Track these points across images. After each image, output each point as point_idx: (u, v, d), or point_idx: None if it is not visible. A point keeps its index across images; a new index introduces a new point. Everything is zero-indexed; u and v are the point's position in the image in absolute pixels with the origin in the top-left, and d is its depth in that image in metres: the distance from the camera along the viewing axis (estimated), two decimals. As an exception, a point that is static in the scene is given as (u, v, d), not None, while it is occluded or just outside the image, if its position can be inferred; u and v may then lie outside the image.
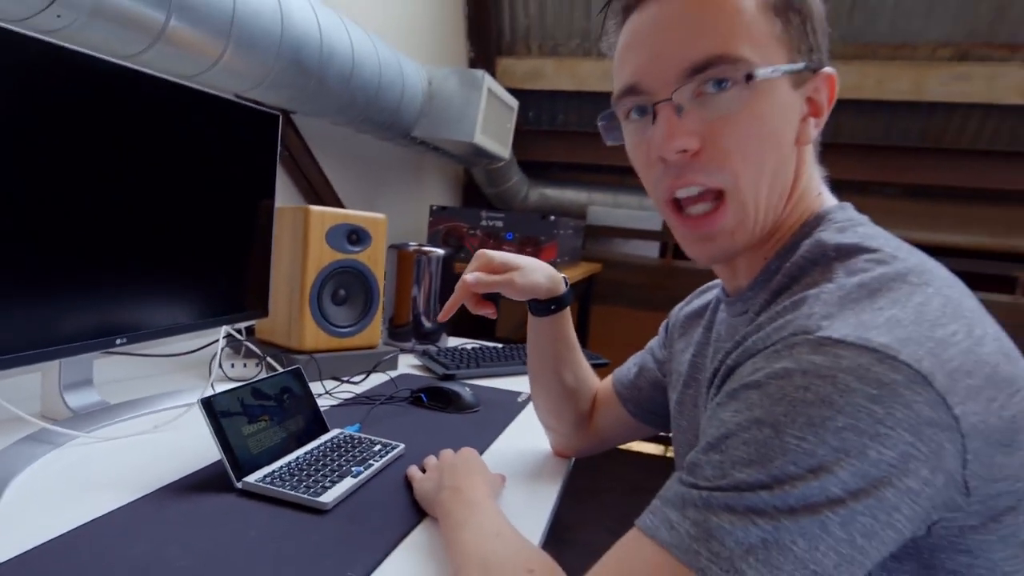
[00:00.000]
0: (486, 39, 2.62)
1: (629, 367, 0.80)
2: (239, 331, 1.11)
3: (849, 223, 0.49)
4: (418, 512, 0.65)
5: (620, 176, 2.83)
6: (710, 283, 0.70)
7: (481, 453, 0.81)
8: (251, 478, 0.66)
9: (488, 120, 1.79)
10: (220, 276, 0.98)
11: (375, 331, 1.20)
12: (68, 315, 0.74)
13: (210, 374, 1.01)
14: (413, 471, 0.72)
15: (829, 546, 0.35)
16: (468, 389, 1.04)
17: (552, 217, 1.94)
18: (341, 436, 0.80)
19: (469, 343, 1.47)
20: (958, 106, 2.37)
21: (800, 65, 0.48)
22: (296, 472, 0.69)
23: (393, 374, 1.17)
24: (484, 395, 1.07)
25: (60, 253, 0.72)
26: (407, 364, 1.27)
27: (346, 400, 1.00)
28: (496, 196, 2.69)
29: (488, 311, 0.74)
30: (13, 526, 0.56)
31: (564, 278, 0.77)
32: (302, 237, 1.09)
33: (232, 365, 1.07)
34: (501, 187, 2.60)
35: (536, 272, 0.74)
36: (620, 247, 3.12)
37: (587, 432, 0.82)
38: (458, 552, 0.53)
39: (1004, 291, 2.73)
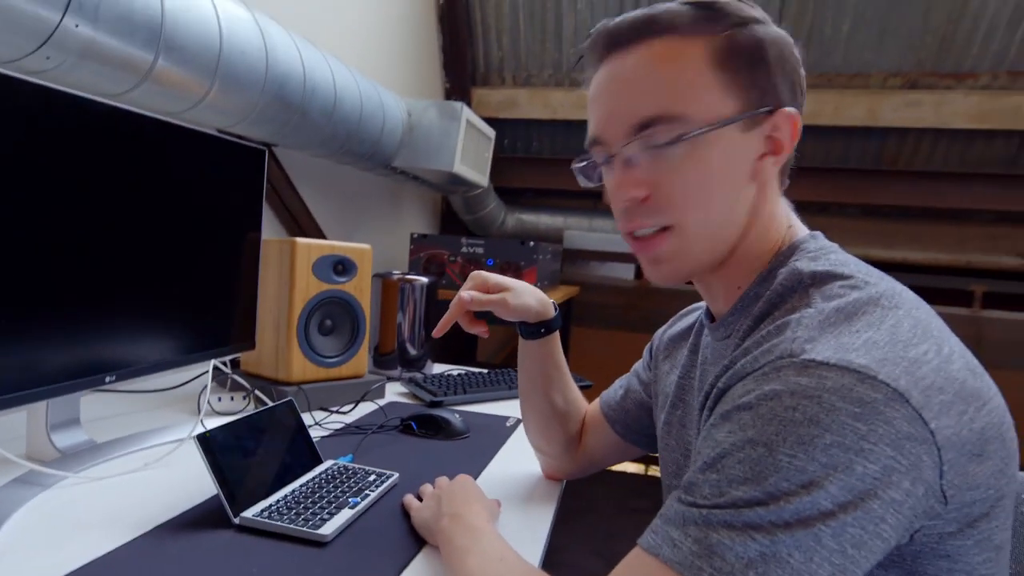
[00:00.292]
0: (461, 71, 2.68)
1: (616, 389, 0.83)
2: (224, 364, 1.10)
3: (821, 252, 0.53)
4: (417, 541, 0.66)
5: (594, 201, 2.90)
6: (692, 306, 0.74)
7: (474, 479, 0.82)
8: (249, 513, 0.67)
9: (467, 150, 1.83)
10: (208, 310, 0.98)
11: (362, 360, 1.21)
12: (56, 353, 0.73)
13: (199, 409, 1.00)
14: (410, 500, 0.73)
15: (823, 557, 0.37)
16: (457, 415, 1.05)
17: (531, 242, 1.97)
18: (335, 467, 0.81)
19: (455, 369, 1.48)
20: (910, 131, 2.51)
21: (742, 114, 0.50)
22: (293, 505, 0.69)
23: (381, 402, 1.18)
24: (473, 421, 1.08)
25: (46, 291, 0.71)
26: (394, 392, 1.28)
27: (337, 430, 1.00)
28: (474, 222, 2.73)
29: (481, 330, 0.76)
30: (10, 572, 0.56)
31: (553, 303, 0.80)
32: (289, 269, 1.10)
33: (219, 399, 1.06)
34: (479, 214, 2.64)
35: (527, 295, 0.77)
36: (596, 270, 3.18)
37: (577, 454, 0.84)
38: (463, 578, 0.54)
39: (961, 304, 2.86)
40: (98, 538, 0.62)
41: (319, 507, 0.69)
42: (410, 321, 1.39)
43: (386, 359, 1.38)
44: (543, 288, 2.08)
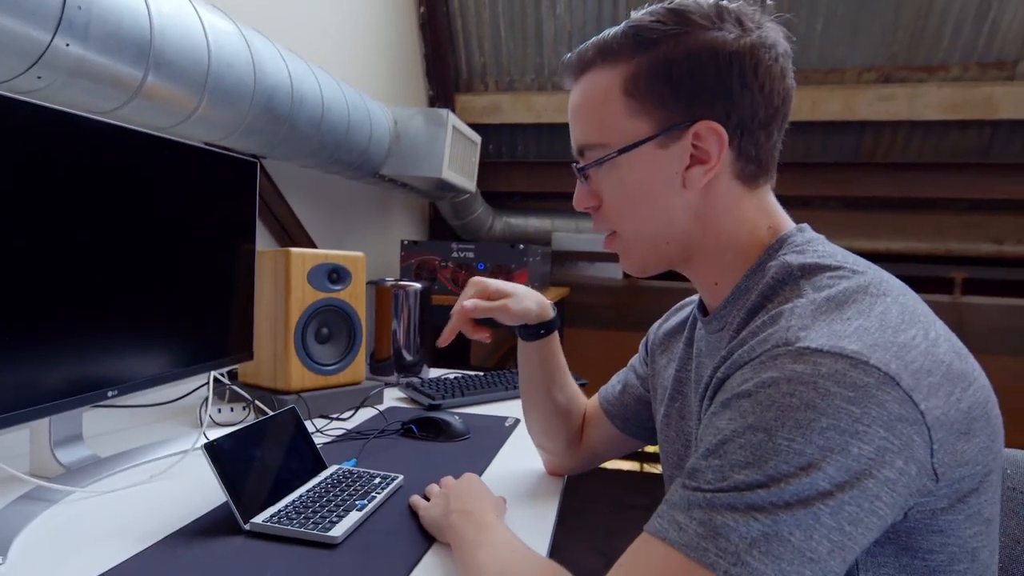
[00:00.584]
0: (444, 78, 2.70)
1: (614, 384, 0.85)
2: (223, 375, 1.11)
3: (808, 244, 0.55)
4: (426, 539, 0.68)
5: (580, 202, 2.93)
6: (685, 300, 0.76)
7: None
8: (258, 519, 0.68)
9: (454, 156, 1.85)
10: (205, 322, 0.98)
11: (359, 367, 1.22)
12: (57, 370, 0.74)
13: (201, 420, 1.01)
14: (416, 500, 0.74)
15: (822, 534, 0.39)
16: (457, 417, 1.07)
17: (521, 245, 2.00)
18: (340, 472, 0.82)
19: (451, 373, 1.49)
20: (885, 123, 2.57)
21: (655, 135, 0.54)
22: (302, 509, 0.70)
23: (380, 408, 1.19)
24: (472, 422, 1.09)
25: (45, 308, 0.72)
26: (392, 397, 1.29)
27: (338, 436, 1.01)
28: (462, 227, 2.74)
29: (483, 336, 0.78)
30: (25, 585, 0.56)
31: (551, 304, 0.82)
32: (284, 279, 1.11)
33: (219, 410, 1.07)
34: (467, 218, 2.66)
35: (528, 299, 0.79)
36: (585, 270, 3.21)
37: (578, 450, 0.86)
38: (476, 571, 0.55)
39: (942, 291, 2.92)
40: (110, 550, 0.62)
41: (327, 510, 0.70)
42: (405, 327, 1.40)
43: (382, 365, 1.39)
44: (535, 290, 2.10)
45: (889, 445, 0.40)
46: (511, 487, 0.84)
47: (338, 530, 0.66)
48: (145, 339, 0.87)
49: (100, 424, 1.01)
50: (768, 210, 0.59)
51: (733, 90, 0.53)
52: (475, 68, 2.75)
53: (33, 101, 0.69)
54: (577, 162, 0.61)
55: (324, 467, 0.83)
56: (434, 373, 1.50)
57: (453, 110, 2.68)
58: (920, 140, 2.61)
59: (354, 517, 0.69)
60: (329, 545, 0.65)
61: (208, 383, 1.01)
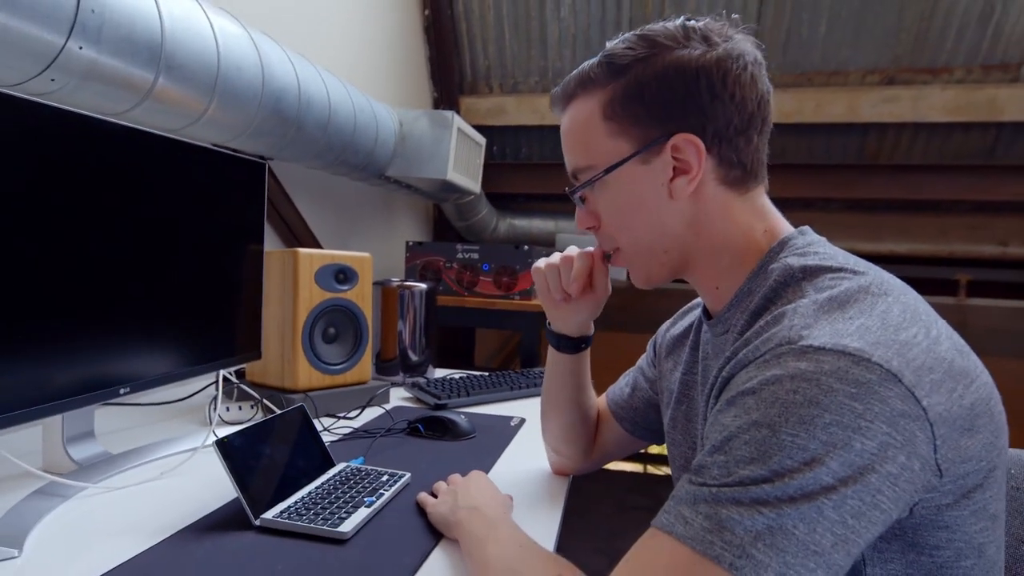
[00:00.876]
0: (448, 80, 2.71)
1: (622, 387, 0.85)
2: (231, 374, 1.12)
3: (809, 247, 0.56)
4: (434, 535, 0.69)
5: (584, 204, 2.93)
6: (691, 304, 0.77)
7: (484, 476, 0.85)
8: (269, 514, 0.69)
9: (459, 157, 1.86)
10: (214, 321, 1.00)
11: (366, 366, 1.23)
12: (71, 368, 0.75)
13: (209, 419, 1.02)
14: (424, 497, 0.75)
15: (826, 528, 0.40)
16: (463, 417, 1.07)
17: (525, 247, 2.00)
18: (348, 469, 0.83)
19: (456, 373, 1.50)
20: (889, 125, 2.57)
21: (635, 152, 0.57)
22: (311, 506, 0.71)
23: (387, 407, 1.20)
24: (478, 421, 1.10)
25: (59, 308, 0.73)
26: (398, 397, 1.30)
27: (345, 435, 1.02)
28: (466, 229, 2.75)
29: (605, 280, 0.76)
30: (41, 578, 0.57)
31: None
32: (292, 279, 1.12)
33: (227, 408, 1.08)
34: (471, 220, 2.67)
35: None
36: (589, 272, 3.21)
37: (590, 452, 0.87)
38: (484, 567, 0.56)
39: (947, 293, 2.92)
40: (122, 544, 0.64)
41: (336, 507, 0.71)
42: (411, 327, 1.41)
43: (388, 365, 1.40)
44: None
45: (891, 440, 0.41)
46: (517, 486, 0.84)
47: (347, 526, 0.67)
48: (155, 338, 0.88)
49: (111, 422, 1.02)
50: (762, 213, 0.60)
51: (704, 102, 0.56)
52: (479, 70, 2.76)
53: (47, 103, 0.71)
54: (571, 186, 0.64)
55: (332, 464, 0.84)
56: (439, 373, 1.51)
57: (458, 112, 2.69)
58: (924, 142, 2.61)
59: (363, 513, 0.70)
60: (339, 541, 0.66)
61: (217, 382, 1.02)
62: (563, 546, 0.70)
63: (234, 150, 1.19)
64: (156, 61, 0.95)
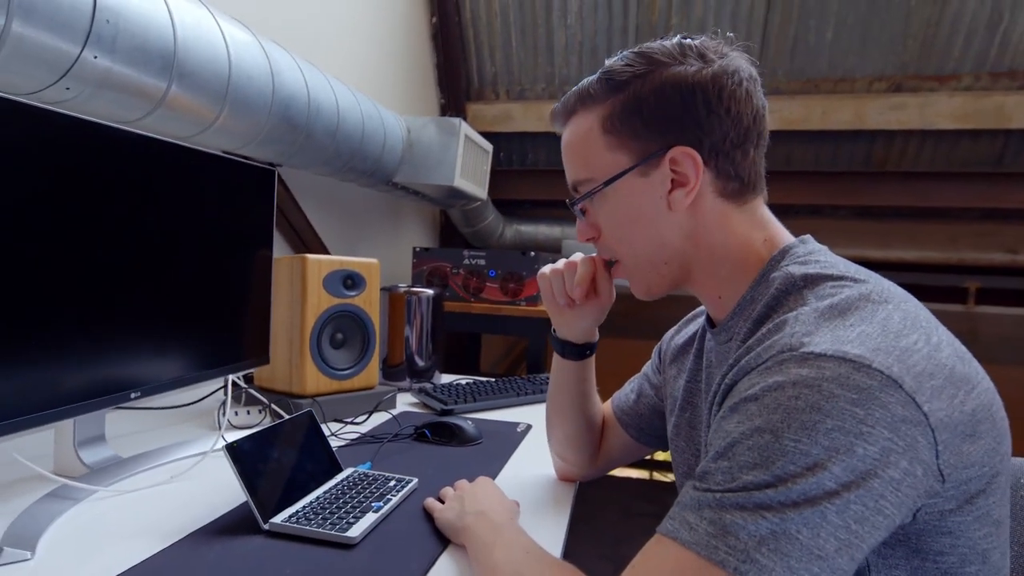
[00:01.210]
0: (455, 87, 2.73)
1: (627, 393, 0.86)
2: (239, 379, 1.13)
3: (810, 255, 0.57)
4: (441, 541, 0.69)
5: (590, 210, 2.94)
6: (695, 311, 0.77)
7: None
8: (278, 519, 0.69)
9: (466, 164, 1.87)
10: (223, 326, 1.00)
11: (373, 372, 1.24)
12: (83, 372, 0.76)
13: (218, 423, 1.03)
14: (431, 503, 0.75)
15: (829, 532, 0.40)
16: (469, 422, 1.08)
17: (532, 253, 2.01)
18: (355, 474, 0.83)
19: (463, 379, 1.51)
20: (896, 133, 2.57)
21: (633, 165, 0.59)
22: (319, 510, 0.72)
23: (393, 412, 1.20)
24: (484, 427, 1.10)
25: (74, 313, 0.74)
26: (405, 402, 1.30)
27: (352, 440, 1.03)
28: (473, 235, 2.76)
29: (609, 287, 0.76)
30: (53, 580, 0.58)
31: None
32: (300, 284, 1.13)
33: (236, 413, 1.09)
34: (477, 226, 2.68)
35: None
36: (595, 278, 3.21)
37: (596, 458, 0.87)
38: (491, 572, 0.56)
39: (956, 301, 2.90)
40: (133, 547, 0.64)
41: (344, 511, 0.72)
42: (417, 333, 1.42)
43: (395, 371, 1.41)
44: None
45: (893, 446, 0.41)
46: (524, 492, 0.85)
47: (355, 531, 0.67)
48: (165, 343, 0.89)
49: (121, 426, 1.03)
50: (761, 223, 0.61)
51: (700, 116, 0.57)
52: (486, 77, 2.78)
53: (62, 111, 0.72)
54: (572, 199, 0.65)
55: (340, 469, 0.84)
56: (446, 379, 1.51)
57: (464, 118, 2.71)
58: (932, 149, 2.61)
59: (370, 518, 0.71)
60: (347, 545, 0.66)
61: (226, 386, 1.02)
62: (569, 552, 0.70)
63: (244, 157, 1.21)
64: (169, 70, 0.96)
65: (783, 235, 0.61)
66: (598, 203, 0.62)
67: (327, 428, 1.07)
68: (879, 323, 0.46)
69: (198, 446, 0.93)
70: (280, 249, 1.66)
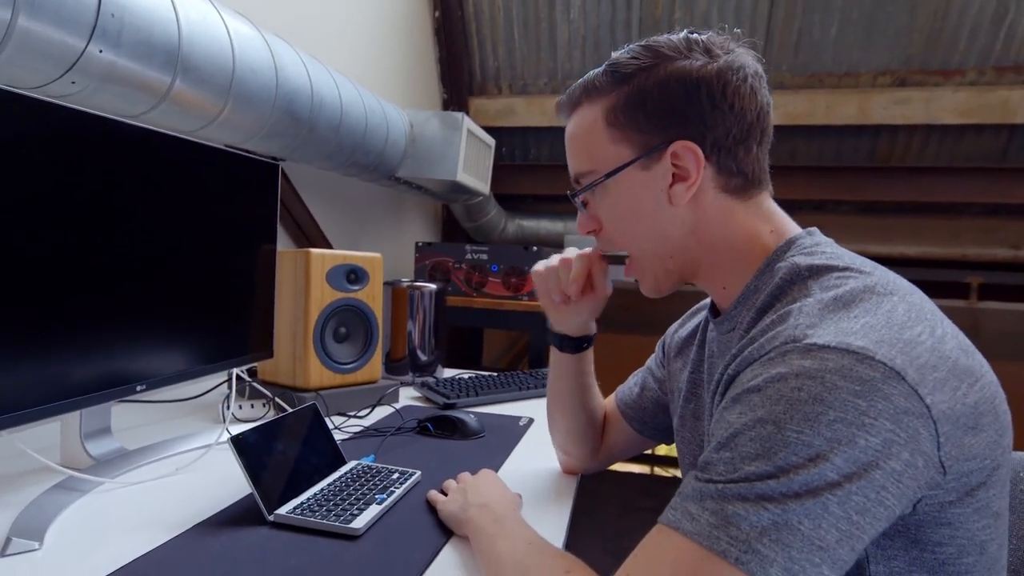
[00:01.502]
0: (458, 81, 2.73)
1: (631, 387, 0.86)
2: (243, 372, 1.13)
3: (816, 247, 0.57)
4: (444, 532, 0.69)
5: (593, 205, 2.93)
6: (698, 305, 0.78)
7: (493, 475, 0.85)
8: (282, 510, 0.70)
9: (468, 159, 1.87)
10: (229, 320, 1.01)
11: (376, 366, 1.24)
12: (90, 366, 0.76)
13: (222, 416, 1.03)
14: (434, 495, 0.76)
15: (831, 523, 0.40)
16: (472, 416, 1.08)
17: (535, 248, 2.01)
18: (359, 467, 0.84)
19: (465, 373, 1.51)
20: (901, 127, 2.56)
21: (635, 158, 0.59)
22: (324, 502, 0.72)
23: (397, 406, 1.21)
24: (487, 421, 1.11)
25: (80, 307, 0.75)
26: (408, 396, 1.31)
27: (356, 433, 1.03)
28: (475, 230, 2.76)
29: (605, 290, 0.76)
30: (60, 570, 0.59)
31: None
32: (304, 279, 1.14)
33: (240, 406, 1.09)
34: (479, 221, 2.68)
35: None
36: (597, 273, 3.21)
37: (598, 451, 0.87)
38: (494, 563, 0.57)
39: (958, 296, 2.90)
40: (140, 538, 0.65)
41: (348, 503, 0.72)
42: (420, 327, 1.42)
43: (397, 365, 1.42)
44: (546, 292, 2.11)
45: (895, 438, 0.41)
46: (526, 486, 0.85)
47: (359, 522, 0.68)
48: (170, 336, 0.89)
49: (126, 418, 1.04)
50: (768, 217, 0.61)
51: (704, 111, 0.57)
52: (489, 72, 2.78)
53: (67, 105, 0.72)
54: (573, 191, 0.65)
55: (343, 462, 0.85)
56: (448, 373, 1.52)
57: (467, 113, 2.71)
58: (936, 144, 2.60)
59: (374, 510, 0.71)
60: (351, 537, 0.67)
61: (230, 380, 1.03)
62: (570, 546, 0.70)
63: (248, 151, 1.21)
64: (173, 64, 0.96)
65: (790, 226, 0.61)
66: (599, 196, 0.63)
67: (330, 421, 1.08)
68: (883, 315, 0.46)
69: (203, 439, 0.93)
70: (283, 243, 1.66)
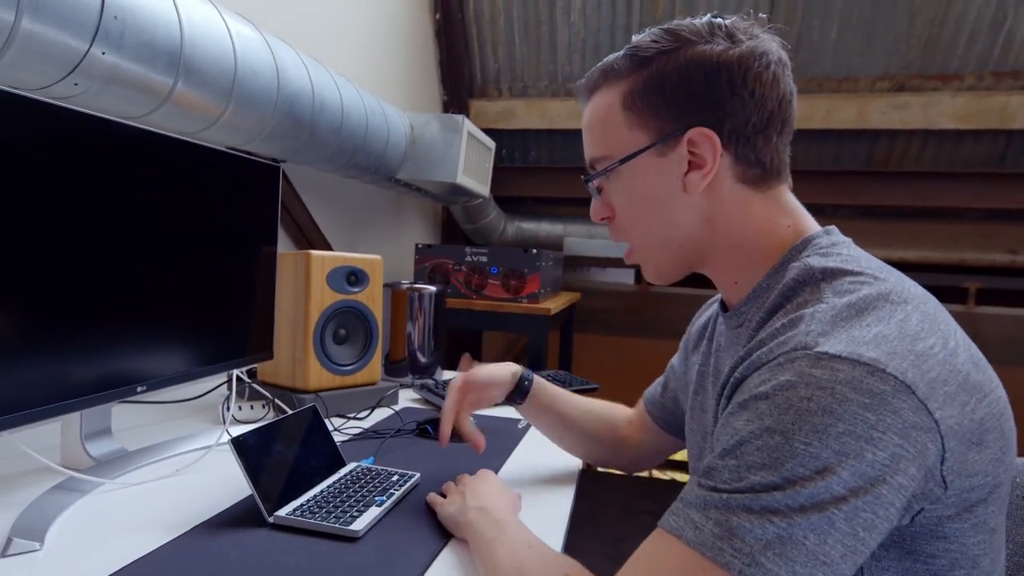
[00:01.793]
0: (459, 83, 2.73)
1: (656, 386, 0.87)
2: (243, 374, 1.14)
3: (832, 248, 0.55)
4: (444, 535, 0.70)
5: (592, 208, 2.94)
6: (712, 298, 0.77)
7: (493, 477, 0.85)
8: (282, 512, 0.70)
9: (468, 161, 1.88)
10: (229, 321, 1.01)
11: (375, 368, 1.24)
12: (90, 366, 0.76)
13: (222, 418, 1.03)
14: (434, 497, 0.76)
15: (836, 539, 0.40)
16: (471, 419, 1.08)
17: (534, 250, 2.01)
18: (358, 469, 0.84)
19: (463, 375, 1.51)
20: (899, 132, 2.57)
21: (652, 144, 0.58)
22: (323, 504, 0.72)
23: (396, 408, 1.21)
24: (485, 423, 1.10)
25: (81, 308, 0.75)
26: (407, 398, 1.31)
27: (355, 435, 1.04)
28: (474, 232, 2.77)
29: (478, 439, 0.86)
30: (61, 570, 0.59)
31: (512, 363, 0.90)
32: (304, 280, 1.14)
33: (239, 408, 1.09)
34: (479, 223, 2.68)
35: (493, 380, 0.87)
36: (597, 275, 3.22)
37: (631, 449, 0.88)
38: (493, 566, 0.57)
39: (956, 301, 2.90)
40: (140, 539, 0.65)
41: (348, 505, 0.72)
42: (420, 329, 1.42)
43: (397, 367, 1.42)
44: (546, 294, 2.12)
45: (903, 452, 0.41)
46: (525, 487, 0.85)
47: (359, 524, 0.68)
48: (171, 337, 0.90)
49: (127, 419, 1.04)
50: (786, 210, 0.59)
51: (723, 98, 0.55)
52: (489, 74, 2.78)
53: (69, 107, 0.73)
54: (587, 176, 0.64)
55: (343, 464, 0.85)
56: (448, 375, 1.52)
57: (467, 115, 2.71)
58: (934, 149, 2.61)
59: (374, 512, 0.72)
60: (350, 539, 0.67)
61: (230, 381, 1.03)
62: (570, 549, 0.71)
63: (249, 153, 1.21)
64: (175, 66, 0.97)
65: (808, 223, 0.59)
66: (613, 181, 0.61)
67: (331, 423, 1.08)
68: (896, 324, 0.45)
69: (203, 440, 0.93)
70: (284, 245, 1.66)
